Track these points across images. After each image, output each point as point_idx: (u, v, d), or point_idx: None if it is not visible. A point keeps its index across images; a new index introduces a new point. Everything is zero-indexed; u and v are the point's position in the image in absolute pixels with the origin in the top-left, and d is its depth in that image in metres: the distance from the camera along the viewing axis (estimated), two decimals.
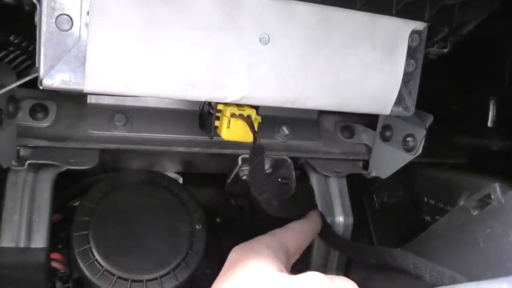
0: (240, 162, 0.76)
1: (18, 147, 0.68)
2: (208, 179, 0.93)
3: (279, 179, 0.78)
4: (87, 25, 0.49)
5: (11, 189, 0.66)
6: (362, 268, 0.65)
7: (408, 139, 0.75)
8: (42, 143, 0.69)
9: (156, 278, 0.67)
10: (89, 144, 0.71)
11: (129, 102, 0.75)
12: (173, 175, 0.85)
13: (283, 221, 0.60)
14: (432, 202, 0.83)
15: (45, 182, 0.68)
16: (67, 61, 0.49)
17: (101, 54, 0.50)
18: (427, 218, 0.84)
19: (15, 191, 0.66)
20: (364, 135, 0.86)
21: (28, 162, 0.66)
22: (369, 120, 0.85)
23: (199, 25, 0.53)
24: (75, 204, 0.79)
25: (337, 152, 0.85)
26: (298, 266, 0.57)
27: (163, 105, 0.76)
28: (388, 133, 0.79)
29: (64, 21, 0.49)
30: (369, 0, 0.58)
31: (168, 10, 0.51)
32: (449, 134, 0.92)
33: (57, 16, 0.48)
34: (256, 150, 0.59)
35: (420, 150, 0.73)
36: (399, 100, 0.65)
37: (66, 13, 0.48)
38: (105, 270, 0.66)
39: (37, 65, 0.50)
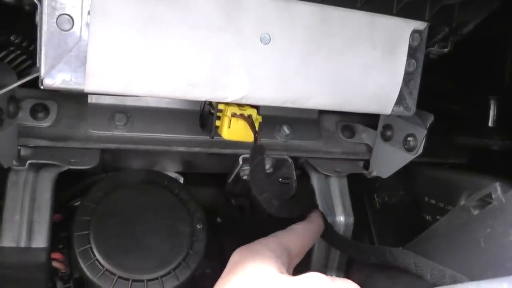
0: (240, 162, 0.76)
1: (19, 147, 0.68)
2: (209, 179, 0.93)
3: (280, 179, 0.78)
4: (88, 25, 0.49)
5: (12, 189, 0.66)
6: (363, 268, 0.66)
7: (409, 138, 0.75)
8: (43, 143, 0.69)
9: (156, 278, 0.67)
10: (89, 144, 0.71)
11: (129, 102, 0.75)
12: (173, 174, 0.85)
13: (283, 221, 0.60)
14: (433, 201, 0.83)
15: (46, 182, 0.68)
16: (68, 61, 0.49)
17: (102, 54, 0.50)
18: (428, 217, 0.84)
19: (16, 191, 0.66)
20: (365, 135, 0.86)
21: (28, 162, 0.66)
22: (370, 119, 0.85)
23: (199, 24, 0.53)
24: (75, 204, 0.79)
25: (337, 152, 0.85)
26: (298, 266, 0.57)
27: (163, 104, 0.76)
28: (388, 133, 0.79)
29: (65, 21, 0.49)
30: None
31: (168, 10, 0.51)
32: (450, 133, 0.92)
33: (58, 16, 0.48)
34: (256, 149, 0.59)
35: (421, 150, 0.73)
36: (400, 100, 0.65)
37: (67, 13, 0.48)
38: (106, 270, 0.66)
39: (37, 65, 0.50)
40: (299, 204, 0.66)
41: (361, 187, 0.88)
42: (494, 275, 0.44)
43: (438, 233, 0.59)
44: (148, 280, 0.66)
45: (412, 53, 0.64)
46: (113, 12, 0.49)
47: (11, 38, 0.73)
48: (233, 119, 0.63)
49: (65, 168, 0.68)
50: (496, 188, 0.51)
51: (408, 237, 0.64)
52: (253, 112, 0.63)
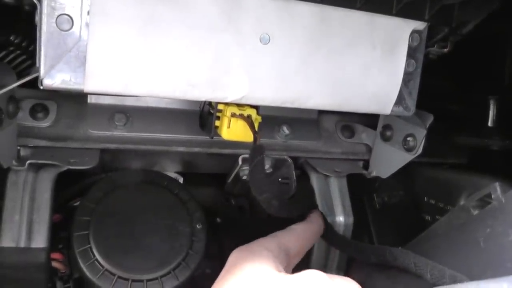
0: (240, 162, 0.76)
1: (19, 147, 0.68)
2: (208, 179, 0.93)
3: (279, 179, 0.78)
4: (87, 25, 0.49)
5: (11, 189, 0.66)
6: (362, 267, 0.65)
7: (408, 138, 0.75)
8: (43, 143, 0.69)
9: (156, 278, 0.67)
10: (89, 144, 0.71)
11: (129, 102, 0.75)
12: (173, 175, 0.85)
13: (283, 221, 0.60)
14: (433, 201, 0.83)
15: (46, 182, 0.68)
16: (67, 61, 0.49)
17: (102, 54, 0.50)
18: (428, 217, 0.84)
19: (15, 191, 0.66)
20: (364, 135, 0.86)
21: (28, 162, 0.66)
22: (370, 119, 0.85)
23: (199, 25, 0.53)
24: (75, 204, 0.79)
25: (337, 152, 0.85)
26: (298, 266, 0.57)
27: (163, 105, 0.76)
28: (388, 133, 0.79)
29: (65, 21, 0.49)
30: None
31: (168, 10, 0.51)
32: (449, 133, 0.92)
33: (58, 16, 0.48)
34: (256, 150, 0.59)
35: (420, 150, 0.73)
36: (400, 100, 0.65)
37: (67, 13, 0.48)
38: (106, 270, 0.66)
39: (37, 65, 0.50)
40: (299, 204, 0.66)
41: (360, 187, 0.88)
42: (493, 275, 0.44)
43: (438, 233, 0.59)
44: (148, 280, 0.66)
45: (411, 53, 0.64)
46: (113, 12, 0.49)
47: (11, 38, 0.73)
48: (233, 119, 0.63)
49: (65, 168, 0.68)
50: (496, 188, 0.51)
51: (407, 237, 0.63)
52: (253, 112, 0.64)
